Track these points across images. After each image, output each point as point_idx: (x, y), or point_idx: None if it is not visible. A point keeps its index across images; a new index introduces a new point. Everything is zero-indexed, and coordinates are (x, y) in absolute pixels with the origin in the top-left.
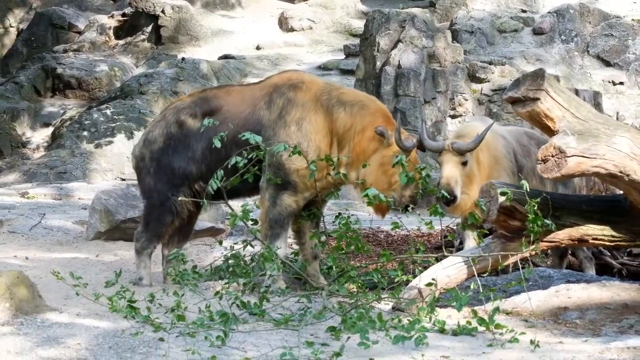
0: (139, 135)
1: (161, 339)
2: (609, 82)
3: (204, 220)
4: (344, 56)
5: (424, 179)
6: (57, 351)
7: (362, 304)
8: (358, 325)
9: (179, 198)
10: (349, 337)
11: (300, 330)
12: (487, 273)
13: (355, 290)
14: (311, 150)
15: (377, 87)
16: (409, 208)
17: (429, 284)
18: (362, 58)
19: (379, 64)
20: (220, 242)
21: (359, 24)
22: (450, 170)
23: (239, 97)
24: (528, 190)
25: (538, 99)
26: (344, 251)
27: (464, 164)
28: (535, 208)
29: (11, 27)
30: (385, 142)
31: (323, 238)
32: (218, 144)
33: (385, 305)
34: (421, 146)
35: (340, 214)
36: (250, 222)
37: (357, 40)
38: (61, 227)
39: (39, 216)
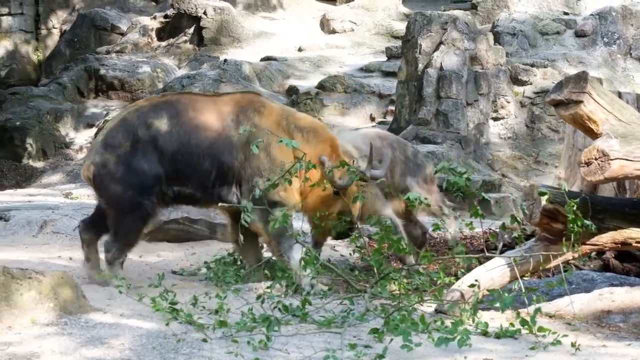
0: None
1: (204, 340)
2: None
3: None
4: (386, 58)
5: (464, 182)
6: (100, 351)
7: (405, 306)
8: (401, 327)
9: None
10: (391, 339)
11: (343, 332)
12: (529, 275)
13: (398, 292)
14: (279, 173)
15: (419, 89)
16: (343, 237)
17: (472, 286)
18: (404, 60)
19: (421, 66)
20: (262, 246)
21: (400, 26)
22: None
23: (204, 107)
24: (567, 190)
25: (581, 101)
26: (384, 254)
27: None
28: (575, 208)
29: (54, 28)
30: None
31: (362, 241)
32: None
33: (427, 307)
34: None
35: (371, 215)
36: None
37: (398, 42)
38: None
39: (82, 217)
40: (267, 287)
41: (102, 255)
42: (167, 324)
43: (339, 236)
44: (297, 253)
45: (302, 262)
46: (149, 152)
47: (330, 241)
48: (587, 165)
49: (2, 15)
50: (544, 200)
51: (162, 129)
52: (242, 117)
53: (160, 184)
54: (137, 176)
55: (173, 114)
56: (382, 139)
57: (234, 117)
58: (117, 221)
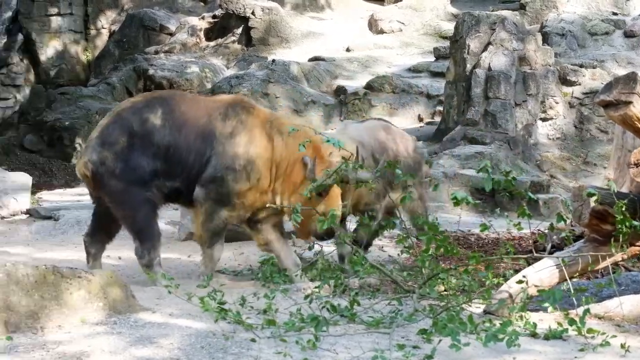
0: None
1: (253, 340)
2: None
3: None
4: (434, 58)
5: (510, 182)
6: (150, 351)
7: (453, 307)
8: (449, 327)
9: None
10: (440, 340)
11: (392, 332)
12: (578, 277)
13: (446, 292)
14: (253, 173)
15: (467, 90)
16: (325, 238)
17: (520, 282)
18: (452, 60)
19: (469, 66)
20: (310, 248)
21: (448, 26)
22: None
23: (194, 103)
24: (616, 191)
25: (630, 102)
26: (433, 254)
27: None
28: (624, 209)
29: (103, 28)
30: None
31: (410, 242)
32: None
33: (476, 308)
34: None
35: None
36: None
37: (447, 43)
38: None
39: None
40: (316, 287)
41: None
42: (215, 321)
43: (320, 237)
44: (218, 252)
45: (350, 262)
46: (146, 146)
47: (378, 242)
48: (637, 166)
49: (52, 15)
50: (592, 201)
51: (157, 123)
52: (230, 111)
53: (157, 179)
54: (137, 172)
55: (166, 110)
56: (387, 133)
57: (222, 111)
58: (133, 222)
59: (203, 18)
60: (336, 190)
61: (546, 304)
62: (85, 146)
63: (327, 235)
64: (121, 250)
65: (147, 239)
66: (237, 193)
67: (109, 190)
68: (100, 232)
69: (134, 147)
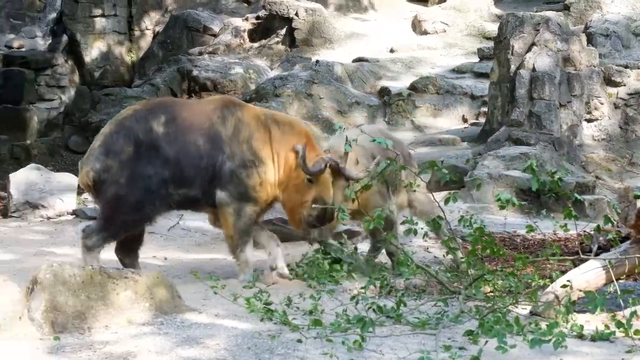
0: None
1: (299, 341)
2: None
3: None
4: (478, 59)
5: (556, 183)
6: (196, 351)
7: (499, 308)
8: (495, 329)
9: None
10: (486, 341)
11: (438, 334)
12: (625, 278)
13: (492, 294)
14: (261, 165)
15: (511, 91)
16: (317, 225)
17: (564, 286)
18: (497, 61)
19: (513, 67)
20: (356, 249)
21: (492, 27)
22: None
23: (191, 109)
24: None
25: None
26: (479, 255)
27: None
28: None
29: (147, 29)
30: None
31: (456, 243)
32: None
33: (522, 309)
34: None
35: (462, 216)
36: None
37: (490, 43)
38: (199, 228)
39: (177, 217)
40: (362, 288)
41: (80, 240)
42: (261, 321)
43: (312, 225)
44: (250, 254)
45: (397, 263)
46: (153, 155)
47: (422, 242)
48: None
49: (96, 16)
50: (639, 202)
51: (162, 131)
52: (226, 112)
53: (167, 187)
54: (144, 181)
55: (169, 117)
56: (386, 137)
57: (219, 113)
58: (109, 214)
59: (247, 19)
60: (327, 178)
61: (590, 307)
62: (87, 156)
63: (319, 222)
64: (167, 251)
65: (108, 230)
66: (252, 187)
67: (108, 196)
68: (126, 244)
69: (141, 156)
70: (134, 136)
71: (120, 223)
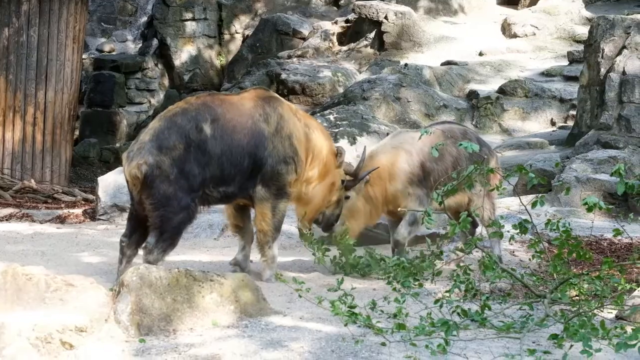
0: (362, 140)
1: (383, 344)
2: None
3: None
4: (568, 62)
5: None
6: (280, 354)
7: (585, 312)
8: (581, 333)
9: None
10: (571, 345)
11: (522, 337)
12: None
13: (578, 297)
14: (298, 161)
15: (600, 94)
16: (332, 226)
17: None
18: (586, 64)
19: (603, 70)
20: (441, 252)
21: (582, 30)
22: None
23: (233, 107)
24: None
25: None
26: (565, 259)
27: (346, 198)
28: None
29: (237, 33)
30: (339, 163)
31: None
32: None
33: (608, 313)
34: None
35: (549, 220)
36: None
37: (580, 47)
38: (285, 231)
39: None
40: (446, 292)
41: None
42: (345, 325)
43: (330, 224)
44: (276, 251)
45: (482, 267)
46: (199, 155)
47: (509, 246)
48: None
49: (186, 20)
50: None
51: (209, 132)
52: (268, 110)
53: (206, 187)
54: (189, 179)
55: (214, 117)
56: (455, 139)
57: (260, 111)
58: (165, 221)
59: (336, 22)
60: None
61: None
62: (138, 148)
63: (336, 221)
64: (253, 253)
65: (166, 241)
66: (290, 183)
67: (158, 193)
68: (136, 234)
69: (190, 155)
70: (185, 135)
71: (175, 225)
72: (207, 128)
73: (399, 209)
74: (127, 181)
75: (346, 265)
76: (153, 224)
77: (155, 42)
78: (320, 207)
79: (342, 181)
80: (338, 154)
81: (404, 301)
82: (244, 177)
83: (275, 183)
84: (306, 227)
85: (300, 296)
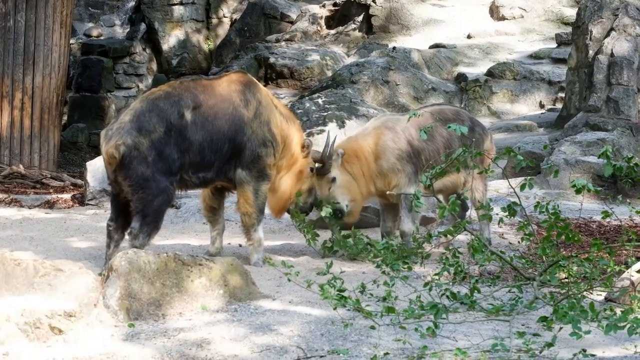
0: (350, 124)
1: (372, 327)
2: None
3: None
4: (556, 45)
5: (632, 168)
6: (270, 338)
7: (574, 294)
8: (570, 315)
9: None
10: (560, 328)
11: (512, 320)
12: None
13: (567, 280)
14: (276, 146)
15: (589, 76)
16: (305, 213)
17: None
18: (575, 47)
19: (591, 52)
20: (430, 235)
21: (571, 12)
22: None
23: (215, 93)
24: None
25: None
26: (554, 241)
27: (333, 180)
28: None
29: (225, 17)
30: (305, 153)
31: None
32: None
33: (597, 295)
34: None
35: (538, 202)
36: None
37: (569, 29)
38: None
39: None
40: (435, 275)
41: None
42: (334, 308)
43: (304, 211)
44: (262, 233)
45: (471, 249)
46: (180, 140)
47: (498, 229)
48: None
49: (174, 4)
50: None
51: (190, 119)
52: (248, 95)
53: (184, 172)
54: (168, 162)
55: (197, 104)
56: (445, 120)
57: (241, 96)
58: (146, 205)
59: (324, 6)
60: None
61: None
62: (117, 127)
63: (311, 209)
64: (241, 238)
65: (150, 225)
66: (270, 165)
67: (135, 174)
68: (121, 218)
69: (170, 139)
70: (167, 119)
71: (157, 207)
72: (189, 114)
73: (387, 193)
74: (104, 159)
75: (340, 243)
76: (135, 207)
77: (143, 26)
78: (289, 195)
79: (312, 169)
80: (305, 146)
81: (393, 284)
82: (222, 162)
83: (256, 166)
84: (280, 217)
85: (289, 280)
